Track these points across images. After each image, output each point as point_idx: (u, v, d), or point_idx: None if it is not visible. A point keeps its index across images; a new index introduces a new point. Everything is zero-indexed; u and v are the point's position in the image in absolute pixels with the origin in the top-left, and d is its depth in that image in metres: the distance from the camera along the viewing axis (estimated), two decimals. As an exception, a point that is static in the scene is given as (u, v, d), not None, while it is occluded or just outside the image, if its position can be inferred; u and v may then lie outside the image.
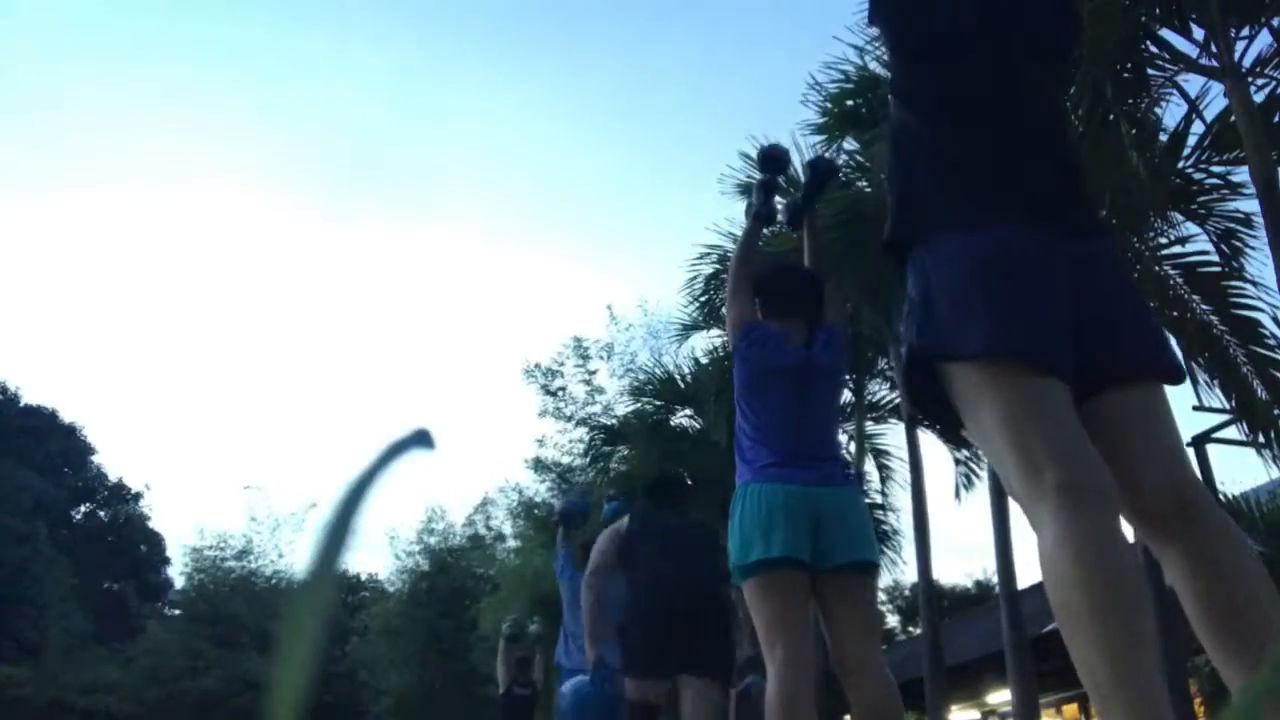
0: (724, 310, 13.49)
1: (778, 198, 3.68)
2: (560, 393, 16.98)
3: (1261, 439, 8.37)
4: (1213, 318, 8.57)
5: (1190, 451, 8.86)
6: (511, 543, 22.73)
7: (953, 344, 1.54)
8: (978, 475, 12.53)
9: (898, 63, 1.93)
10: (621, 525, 4.34)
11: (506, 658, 8.74)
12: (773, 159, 3.63)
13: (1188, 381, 8.81)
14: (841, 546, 2.67)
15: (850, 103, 9.83)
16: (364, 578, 33.92)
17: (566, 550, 6.12)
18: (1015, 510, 8.87)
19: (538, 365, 17.12)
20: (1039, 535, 1.40)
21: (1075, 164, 1.78)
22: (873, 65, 9.37)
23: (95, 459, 37.34)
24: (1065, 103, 2.59)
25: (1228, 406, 8.72)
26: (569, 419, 16.95)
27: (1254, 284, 8.26)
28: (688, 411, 14.38)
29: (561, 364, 17.03)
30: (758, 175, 3.62)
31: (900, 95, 1.88)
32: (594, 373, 16.87)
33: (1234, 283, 8.44)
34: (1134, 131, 7.62)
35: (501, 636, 9.16)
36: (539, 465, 18.02)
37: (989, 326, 1.51)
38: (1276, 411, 8.15)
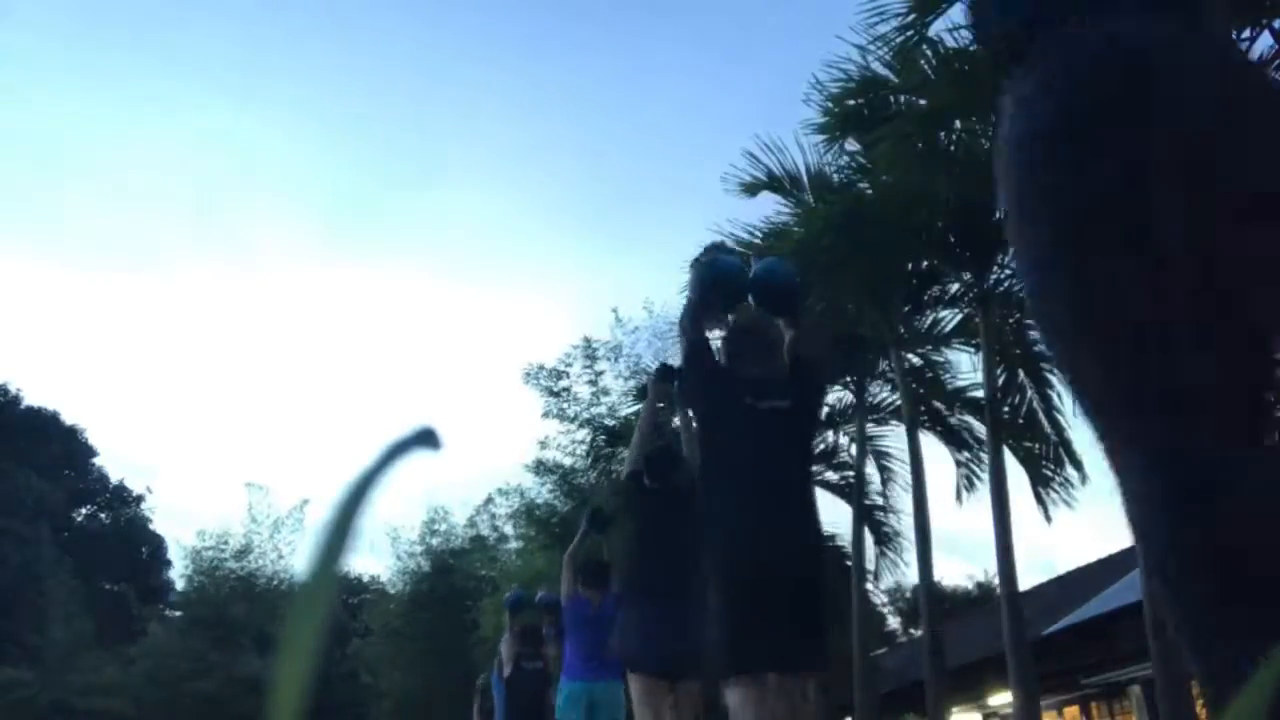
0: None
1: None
2: (565, 393, 16.96)
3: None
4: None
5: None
6: (513, 543, 22.74)
7: None
8: (979, 477, 12.52)
9: None
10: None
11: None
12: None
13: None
14: None
15: (852, 102, 9.82)
16: (365, 579, 33.93)
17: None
18: (1016, 511, 8.85)
19: (540, 367, 17.08)
20: None
21: None
22: (875, 65, 9.36)
23: (97, 461, 37.40)
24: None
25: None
26: (573, 420, 16.92)
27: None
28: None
29: (569, 365, 17.01)
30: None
31: None
32: (600, 374, 16.85)
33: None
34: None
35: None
36: (540, 467, 17.98)
37: None
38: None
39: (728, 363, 3.22)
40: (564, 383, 16.96)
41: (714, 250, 3.84)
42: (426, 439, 0.29)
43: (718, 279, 3.27)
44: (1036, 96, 1.29)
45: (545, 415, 17.08)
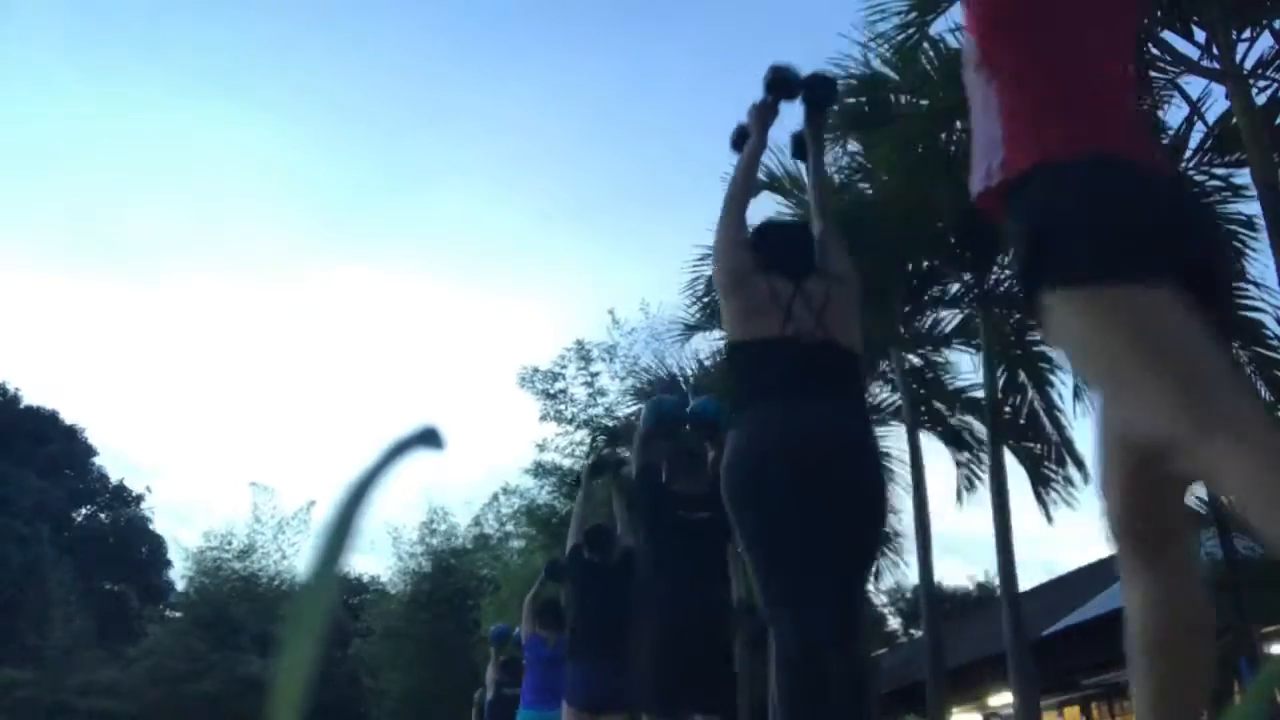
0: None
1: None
2: (560, 395, 16.92)
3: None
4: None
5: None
6: (514, 543, 22.74)
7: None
8: (979, 477, 12.51)
9: None
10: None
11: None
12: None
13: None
14: None
15: (853, 100, 9.81)
16: (366, 579, 33.91)
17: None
18: (1017, 512, 8.86)
19: (535, 369, 17.05)
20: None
21: None
22: (876, 64, 9.35)
23: (97, 461, 37.38)
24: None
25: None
26: (570, 421, 16.91)
27: (1256, 285, 8.26)
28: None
29: (564, 367, 16.97)
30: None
31: None
32: (596, 374, 16.82)
33: (1236, 284, 8.44)
34: (1155, 137, 7.61)
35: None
36: (539, 469, 17.98)
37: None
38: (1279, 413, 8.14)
39: (669, 474, 4.14)
40: (559, 385, 16.93)
41: (661, 392, 4.93)
42: (429, 438, 0.29)
43: (661, 418, 4.24)
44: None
45: (543, 418, 17.05)
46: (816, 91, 3.33)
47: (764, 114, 3.21)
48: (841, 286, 2.97)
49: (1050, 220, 1.43)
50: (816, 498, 2.46)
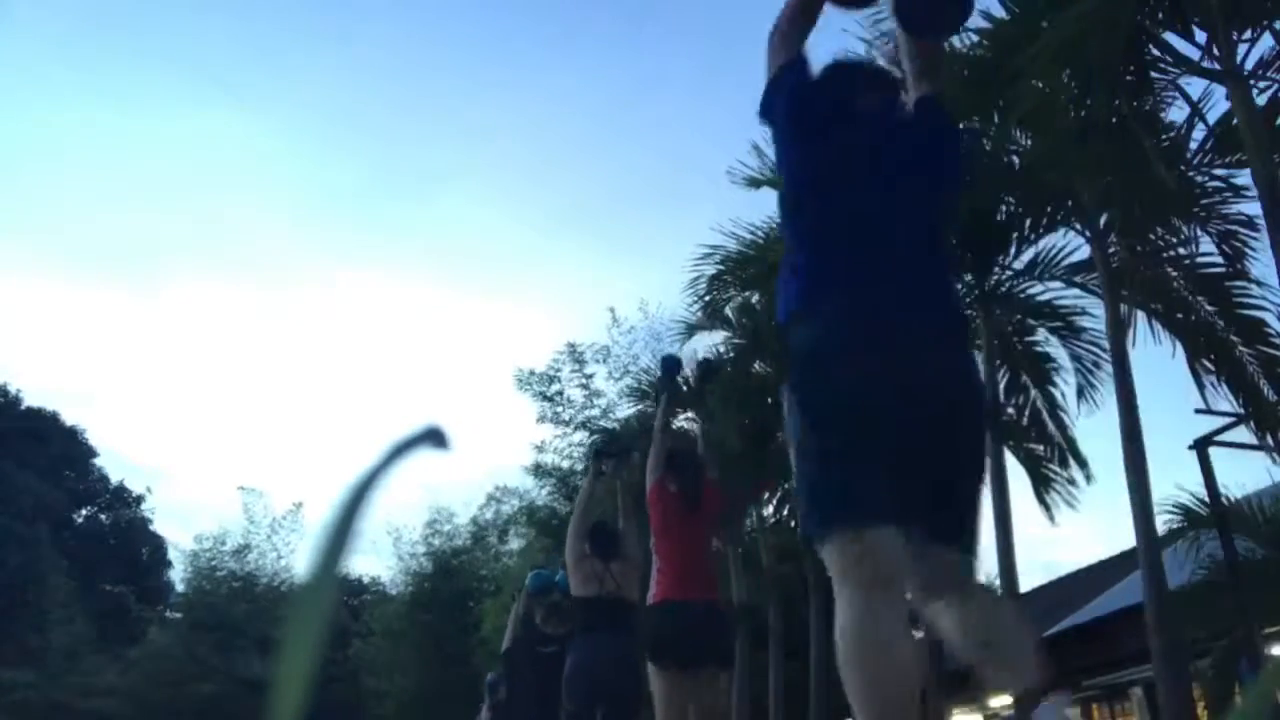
0: (727, 309, 13.37)
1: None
2: (557, 397, 16.95)
3: (1270, 440, 8.38)
4: (1220, 322, 8.57)
5: (1193, 454, 8.86)
6: (515, 543, 22.74)
7: None
8: (980, 478, 12.50)
9: None
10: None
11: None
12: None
13: (1191, 384, 8.82)
14: None
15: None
16: (367, 580, 33.90)
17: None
18: (1017, 513, 8.83)
19: (532, 372, 17.06)
20: None
21: None
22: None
23: (97, 462, 37.35)
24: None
25: (1235, 405, 8.72)
26: (567, 423, 16.94)
27: (1258, 284, 8.27)
28: (689, 414, 14.36)
29: (558, 369, 17.00)
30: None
31: None
32: (590, 376, 16.85)
33: (1238, 283, 8.44)
34: (1162, 139, 7.63)
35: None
36: (539, 470, 18.00)
37: None
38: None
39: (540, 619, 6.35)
40: (555, 387, 16.96)
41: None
42: (435, 438, 0.29)
43: (539, 589, 6.44)
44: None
45: (540, 420, 17.07)
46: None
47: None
48: (629, 564, 5.01)
49: None
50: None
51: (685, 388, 4.91)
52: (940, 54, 2.50)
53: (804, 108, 2.20)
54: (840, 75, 2.32)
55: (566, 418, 16.86)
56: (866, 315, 1.90)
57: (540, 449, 17.64)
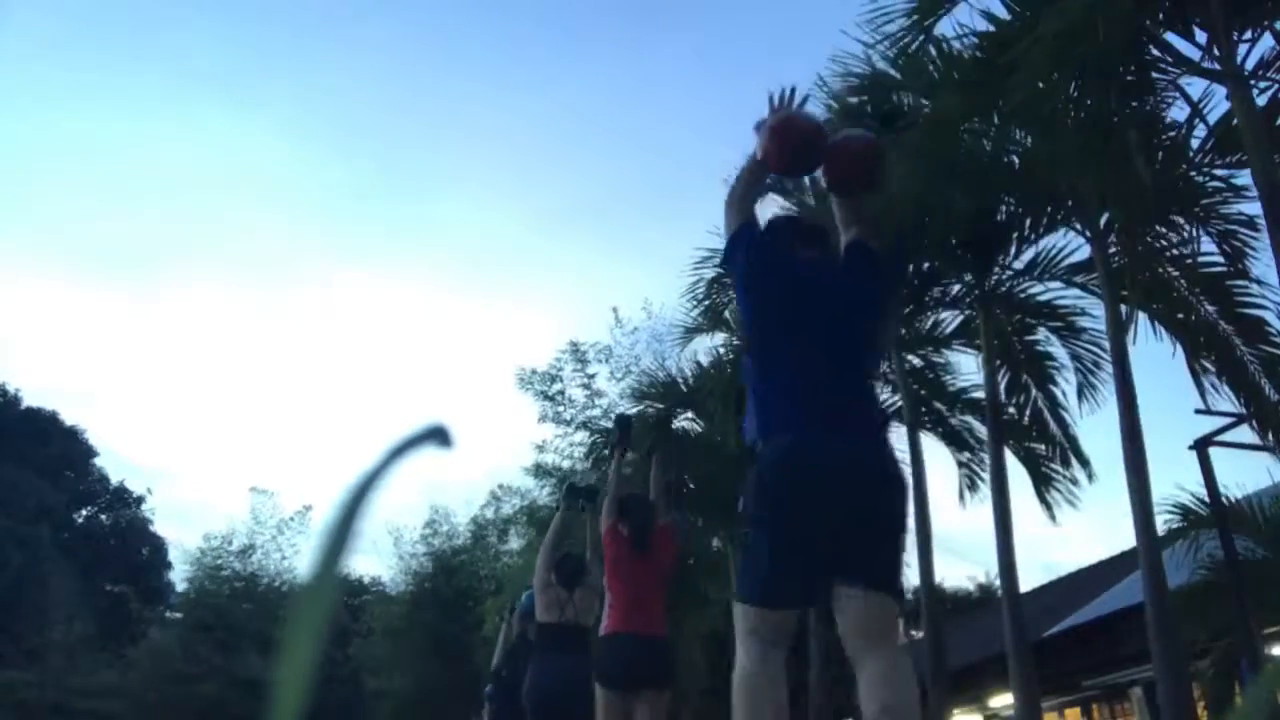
0: (725, 314, 13.44)
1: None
2: (559, 397, 16.96)
3: (1273, 439, 8.39)
4: (1224, 324, 8.57)
5: (1193, 454, 8.85)
6: (515, 543, 22.74)
7: None
8: (980, 478, 12.49)
9: None
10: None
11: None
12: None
13: (1192, 385, 8.82)
14: None
15: (855, 100, 9.80)
16: (367, 580, 33.89)
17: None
18: (1018, 513, 8.84)
19: (534, 371, 17.08)
20: None
21: None
22: (879, 63, 9.33)
23: (97, 462, 37.34)
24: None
25: (1236, 405, 8.72)
26: (568, 423, 16.95)
27: (1259, 283, 8.26)
28: (689, 414, 14.38)
29: (560, 369, 17.01)
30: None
31: None
32: (593, 376, 16.87)
33: (1239, 282, 8.43)
34: (1156, 139, 7.62)
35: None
36: (539, 470, 18.01)
37: None
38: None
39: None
40: (557, 386, 16.97)
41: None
42: (438, 436, 0.29)
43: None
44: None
45: (541, 419, 17.08)
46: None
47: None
48: (591, 593, 5.47)
49: None
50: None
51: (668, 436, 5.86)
52: (861, 205, 3.01)
53: (753, 266, 2.79)
54: (781, 233, 2.92)
55: (568, 417, 16.88)
56: (806, 450, 2.55)
57: (541, 449, 17.67)
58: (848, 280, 2.80)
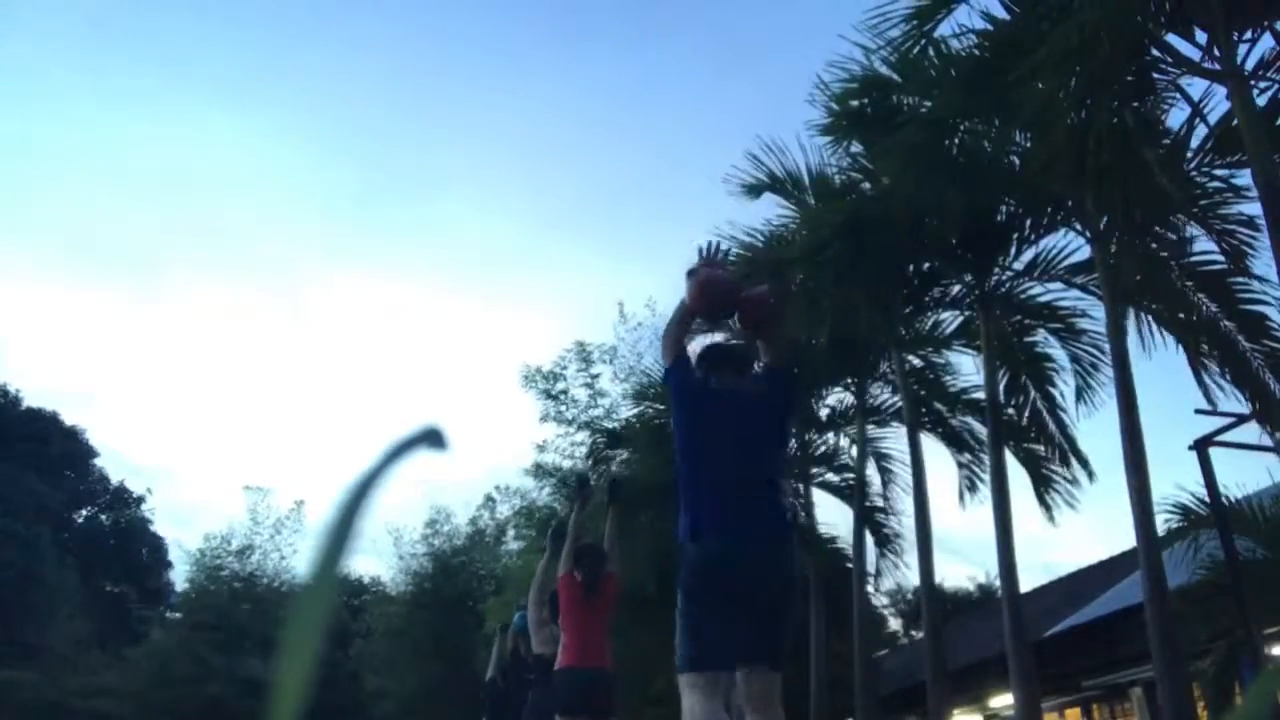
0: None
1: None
2: (562, 395, 17.00)
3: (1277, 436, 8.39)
4: (1226, 322, 8.57)
5: (1193, 455, 8.84)
6: (513, 544, 22.76)
7: None
8: (981, 479, 12.50)
9: None
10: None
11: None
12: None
13: (1192, 385, 8.82)
14: None
15: (855, 102, 9.80)
16: (367, 580, 33.88)
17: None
18: (1018, 514, 8.85)
19: (538, 369, 17.12)
20: None
21: None
22: (878, 65, 9.34)
23: (97, 463, 37.33)
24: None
25: (1242, 401, 8.72)
26: (570, 422, 16.98)
27: (1259, 279, 8.27)
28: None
29: (564, 368, 17.06)
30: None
31: None
32: (596, 376, 16.90)
33: (1239, 279, 8.44)
34: (1162, 140, 7.63)
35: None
36: (539, 470, 18.04)
37: None
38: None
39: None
40: (560, 385, 17.02)
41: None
42: (433, 438, 0.29)
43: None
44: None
45: (543, 419, 17.12)
46: (615, 492, 6.10)
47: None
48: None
49: None
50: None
51: (611, 493, 6.25)
52: (770, 339, 3.58)
53: (683, 395, 3.42)
54: (707, 363, 3.52)
55: (570, 417, 16.92)
56: (726, 557, 3.14)
57: (542, 448, 17.70)
58: (758, 403, 3.40)
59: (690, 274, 3.55)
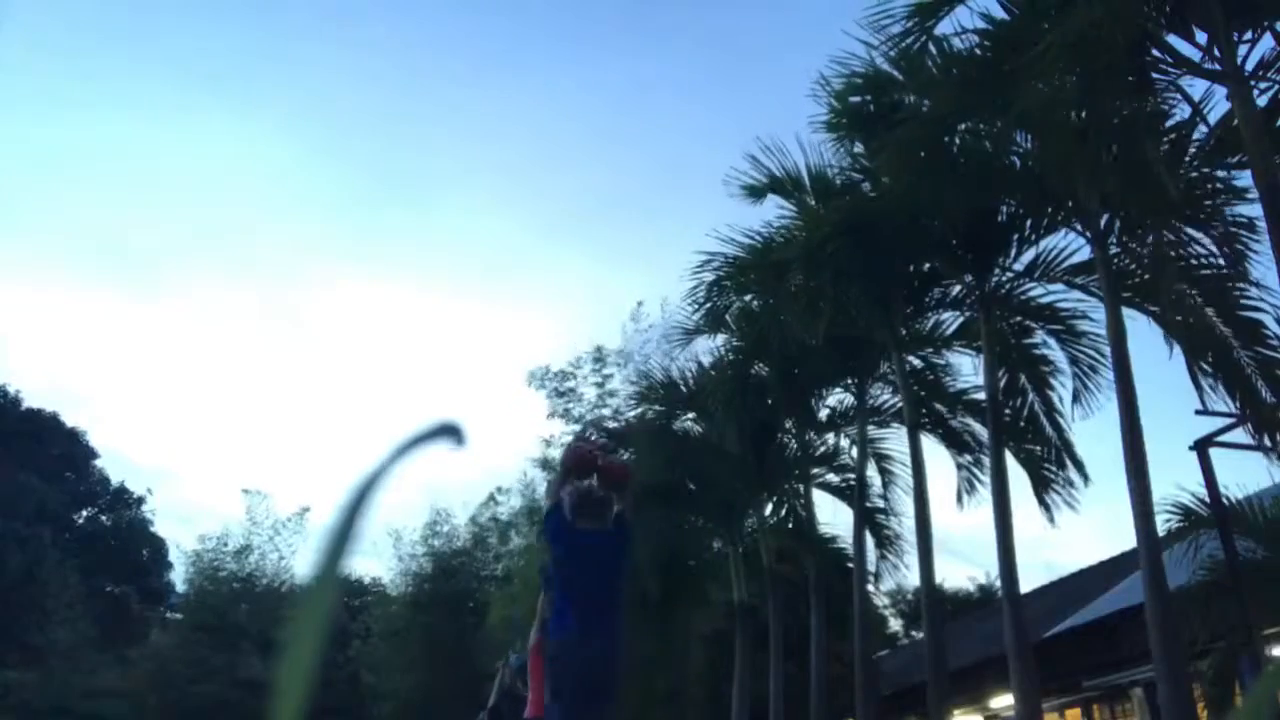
0: (726, 316, 13.48)
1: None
2: (570, 393, 17.20)
3: (1268, 441, 8.38)
4: (1221, 326, 8.56)
5: (1193, 455, 8.84)
6: (516, 541, 22.83)
7: None
8: (980, 480, 12.50)
9: None
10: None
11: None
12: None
13: (1191, 386, 8.81)
14: None
15: (857, 99, 9.81)
16: (367, 580, 33.86)
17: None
18: (1018, 514, 8.83)
19: (548, 369, 17.35)
20: None
21: None
22: (880, 63, 9.34)
23: (98, 463, 37.32)
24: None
25: (1231, 407, 8.71)
26: (577, 420, 17.11)
27: (1256, 285, 8.26)
28: (690, 415, 14.41)
29: (577, 368, 17.28)
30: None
31: None
32: (608, 376, 17.09)
33: (1237, 285, 8.43)
34: (1164, 140, 7.62)
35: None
36: (546, 466, 18.15)
37: None
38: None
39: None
40: (570, 383, 17.23)
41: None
42: (451, 433, 0.29)
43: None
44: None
45: (550, 416, 17.34)
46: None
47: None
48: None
49: None
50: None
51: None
52: (621, 493, 4.91)
53: (556, 536, 4.82)
54: (575, 509, 4.77)
55: (577, 414, 17.08)
56: (582, 647, 4.46)
57: (549, 444, 17.90)
58: (609, 542, 4.78)
59: (567, 447, 5.40)
